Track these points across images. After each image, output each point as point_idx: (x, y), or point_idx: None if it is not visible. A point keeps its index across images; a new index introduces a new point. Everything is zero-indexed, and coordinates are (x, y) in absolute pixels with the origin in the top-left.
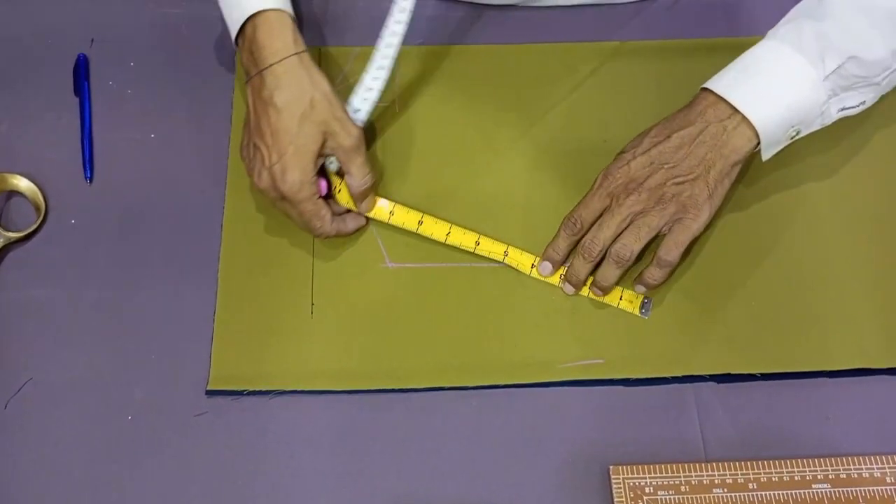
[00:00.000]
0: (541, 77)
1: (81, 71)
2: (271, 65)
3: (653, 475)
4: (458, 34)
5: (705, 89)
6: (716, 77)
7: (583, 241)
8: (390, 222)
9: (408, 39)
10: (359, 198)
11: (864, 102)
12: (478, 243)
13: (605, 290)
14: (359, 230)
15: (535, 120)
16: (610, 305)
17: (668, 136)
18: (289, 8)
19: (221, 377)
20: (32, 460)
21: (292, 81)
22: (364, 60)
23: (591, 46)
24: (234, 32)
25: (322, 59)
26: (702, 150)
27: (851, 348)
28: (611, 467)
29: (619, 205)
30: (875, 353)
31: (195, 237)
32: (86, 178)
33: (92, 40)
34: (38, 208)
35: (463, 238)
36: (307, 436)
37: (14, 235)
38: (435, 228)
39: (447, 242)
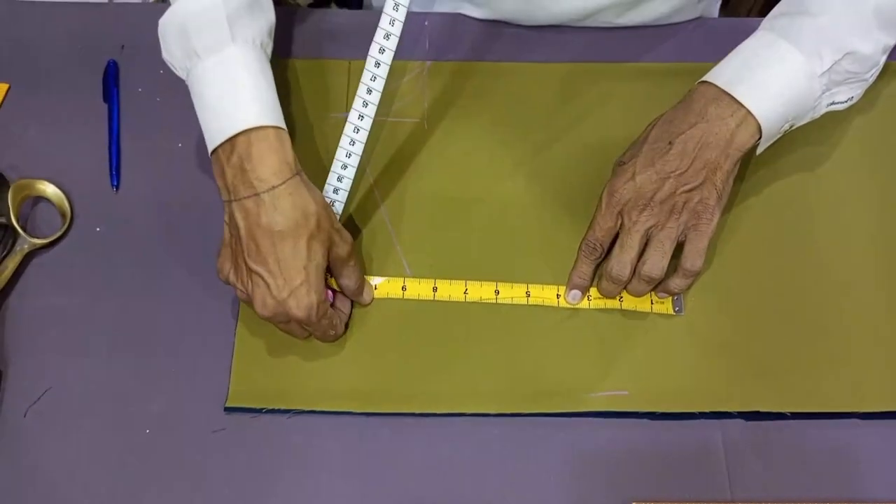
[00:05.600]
0: (569, 96)
1: (111, 77)
2: (274, 187)
3: None
4: (489, 51)
5: (704, 82)
6: (715, 70)
7: (609, 268)
8: (405, 297)
9: (440, 55)
10: (356, 295)
11: (851, 98)
12: (497, 292)
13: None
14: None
15: (561, 138)
16: (642, 321)
17: (671, 143)
18: (285, 127)
19: (240, 394)
20: (50, 470)
21: (297, 203)
22: (396, 74)
23: (621, 67)
24: (217, 142)
25: (352, 72)
26: (707, 153)
27: (885, 390)
28: (633, 503)
29: (633, 223)
30: None
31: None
32: (112, 185)
33: (122, 47)
34: (63, 215)
35: (481, 291)
36: (325, 456)
37: (39, 242)
38: (451, 290)
39: (467, 301)
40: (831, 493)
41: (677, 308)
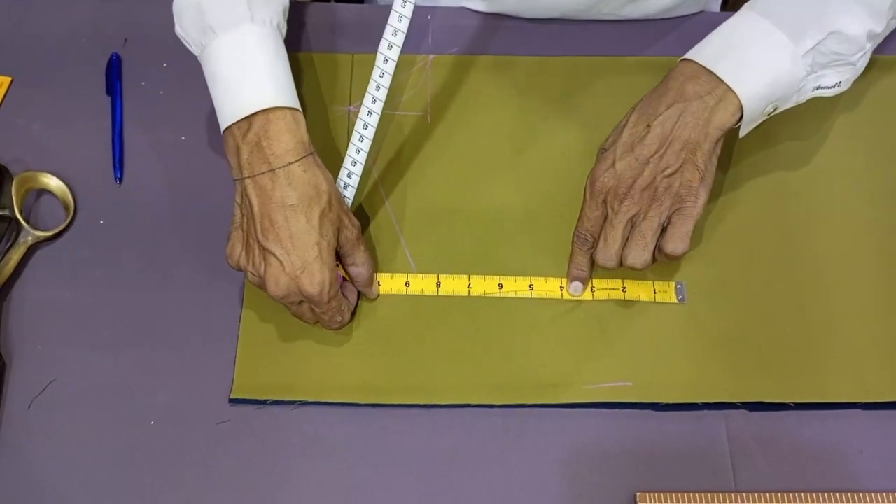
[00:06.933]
0: (572, 89)
1: (114, 71)
2: (290, 163)
3: None
4: (492, 44)
5: (685, 60)
6: (696, 48)
7: (597, 259)
8: (409, 293)
9: (443, 48)
10: (366, 285)
11: (839, 84)
12: (501, 286)
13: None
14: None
15: (564, 131)
16: (645, 312)
17: (648, 126)
18: (300, 108)
19: (245, 386)
20: (55, 462)
21: (310, 180)
22: (399, 67)
23: (624, 61)
24: (232, 120)
25: (355, 66)
26: (685, 133)
27: (889, 380)
28: (637, 494)
29: (615, 213)
30: None
31: (223, 242)
32: (116, 178)
33: (125, 40)
34: (67, 207)
35: (485, 286)
36: (329, 448)
37: (42, 234)
38: (455, 285)
39: (471, 295)
40: (835, 483)
41: (681, 297)
